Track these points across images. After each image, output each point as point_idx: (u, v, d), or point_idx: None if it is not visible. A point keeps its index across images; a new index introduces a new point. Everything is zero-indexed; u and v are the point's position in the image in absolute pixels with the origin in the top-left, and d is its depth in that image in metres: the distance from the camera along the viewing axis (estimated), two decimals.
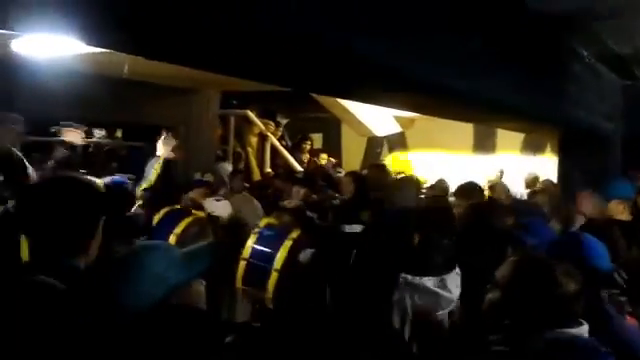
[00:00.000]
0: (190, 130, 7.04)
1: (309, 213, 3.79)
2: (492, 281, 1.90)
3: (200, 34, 2.13)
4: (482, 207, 4.03)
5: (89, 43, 2.11)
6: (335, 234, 3.82)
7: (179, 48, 2.34)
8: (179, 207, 3.75)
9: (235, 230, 2.52)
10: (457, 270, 2.60)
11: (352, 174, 4.62)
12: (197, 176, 5.68)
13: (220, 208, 3.82)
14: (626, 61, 5.93)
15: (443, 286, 2.49)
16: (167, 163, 4.54)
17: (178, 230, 3.53)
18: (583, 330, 1.77)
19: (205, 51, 2.45)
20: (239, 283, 3.46)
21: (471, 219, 3.35)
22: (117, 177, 4.17)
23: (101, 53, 3.45)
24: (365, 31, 2.81)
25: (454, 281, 2.54)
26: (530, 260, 1.98)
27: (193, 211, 3.70)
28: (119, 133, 7.30)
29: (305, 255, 3.11)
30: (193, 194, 5.09)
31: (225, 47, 2.38)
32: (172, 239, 3.47)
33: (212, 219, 4.03)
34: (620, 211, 4.04)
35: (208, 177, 5.65)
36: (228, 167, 7.13)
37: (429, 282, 2.48)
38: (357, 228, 3.84)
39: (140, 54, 2.48)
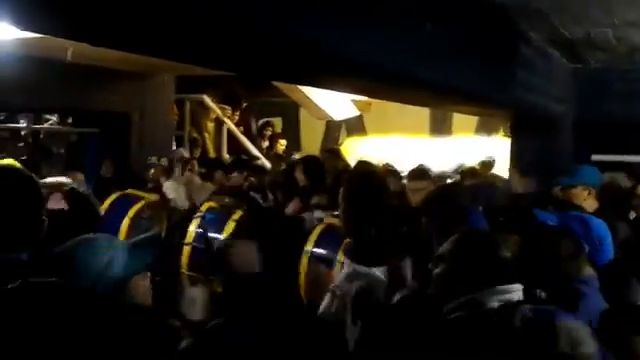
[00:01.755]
0: (145, 115, 6.94)
1: (253, 194, 3.79)
2: (436, 257, 2.02)
3: (138, 20, 2.09)
4: (447, 190, 4.10)
5: (24, 28, 2.03)
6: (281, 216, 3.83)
7: (117, 34, 2.28)
8: (129, 192, 3.70)
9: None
10: (407, 259, 2.61)
11: (301, 163, 4.61)
12: (152, 160, 5.61)
13: (172, 190, 3.79)
14: (576, 45, 6.05)
15: (394, 276, 2.51)
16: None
17: (131, 214, 3.50)
18: (518, 288, 1.93)
19: (144, 37, 2.40)
20: (185, 269, 3.45)
21: (435, 202, 3.38)
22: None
23: (45, 37, 3.36)
24: (318, 17, 2.80)
25: (404, 269, 2.57)
26: (469, 233, 2.15)
27: (144, 194, 3.67)
28: (71, 119, 7.16)
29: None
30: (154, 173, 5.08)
31: (169, 33, 2.34)
32: (125, 223, 3.44)
33: (166, 202, 4.01)
34: (585, 197, 4.08)
35: (164, 162, 5.59)
36: (184, 152, 7.06)
37: (378, 271, 2.49)
38: (317, 214, 3.87)
39: (78, 40, 2.41)
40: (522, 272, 2.00)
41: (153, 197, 3.80)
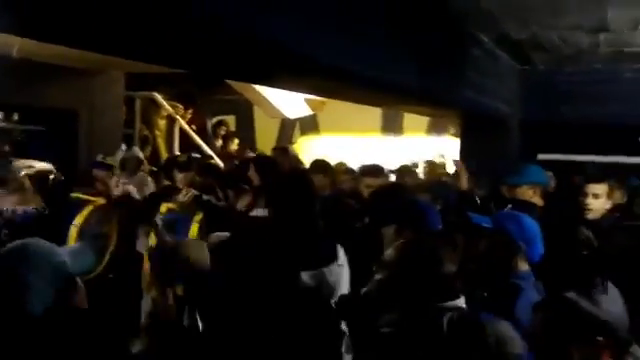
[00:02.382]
0: (93, 113, 6.79)
1: (205, 196, 3.75)
2: (379, 263, 1.99)
3: (87, 15, 2.04)
4: (396, 187, 4.14)
5: None
6: (238, 217, 3.81)
7: (65, 30, 2.22)
8: (76, 195, 3.61)
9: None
10: (340, 261, 2.60)
11: (253, 162, 4.59)
12: (99, 158, 5.49)
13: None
14: (523, 47, 6.20)
15: (323, 279, 2.48)
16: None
17: (78, 221, 3.40)
18: (461, 302, 1.91)
19: (93, 33, 2.35)
20: (146, 273, 3.39)
21: (384, 199, 3.41)
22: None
23: None
24: (273, 16, 2.80)
25: (335, 272, 2.55)
26: (415, 243, 2.11)
27: (92, 198, 3.57)
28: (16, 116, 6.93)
29: (214, 238, 3.08)
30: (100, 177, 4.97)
31: (119, 30, 2.30)
32: (73, 231, 3.34)
33: (117, 204, 3.93)
34: (530, 196, 4.17)
35: (111, 161, 5.47)
36: (139, 153, 6.92)
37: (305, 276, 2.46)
38: (261, 212, 3.85)
39: (24, 35, 2.35)
40: (462, 273, 2.03)
41: (101, 201, 3.71)
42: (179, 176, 4.81)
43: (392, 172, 5.90)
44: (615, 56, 6.26)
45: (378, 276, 2.01)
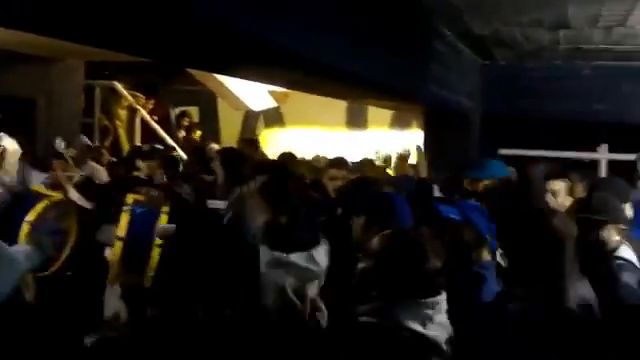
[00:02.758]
0: (51, 101, 6.64)
1: (176, 187, 3.70)
2: (364, 252, 1.98)
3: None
4: (366, 179, 4.15)
5: None
6: (202, 209, 3.77)
7: (24, 15, 2.16)
8: (36, 189, 3.50)
9: None
10: (324, 243, 2.64)
11: (219, 154, 4.56)
12: (58, 146, 5.36)
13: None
14: (486, 42, 6.28)
15: (312, 260, 2.52)
16: None
17: (31, 217, 3.29)
18: (441, 299, 1.87)
19: (52, 19, 2.29)
20: (115, 265, 3.31)
21: (353, 191, 3.42)
22: None
23: None
24: (238, 3, 2.77)
25: (321, 254, 2.58)
26: (403, 234, 2.08)
27: (50, 193, 3.46)
28: None
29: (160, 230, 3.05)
30: (55, 171, 4.83)
31: (81, 15, 2.24)
32: (26, 228, 3.23)
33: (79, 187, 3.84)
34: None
35: (71, 152, 5.36)
36: (86, 140, 6.77)
37: (299, 257, 2.50)
38: (220, 204, 3.84)
39: None
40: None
41: (58, 195, 3.60)
42: (142, 165, 4.73)
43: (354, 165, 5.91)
44: (574, 53, 6.39)
45: (361, 265, 1.99)
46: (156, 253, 3.03)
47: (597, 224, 2.77)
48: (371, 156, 7.00)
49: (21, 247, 2.00)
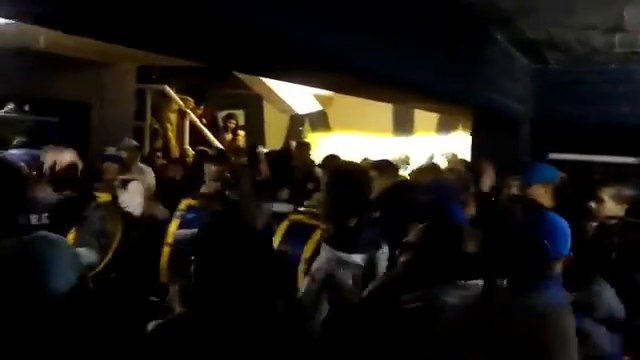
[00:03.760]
0: (105, 105, 6.81)
1: (227, 193, 3.75)
2: (403, 245, 2.08)
3: (102, 6, 2.05)
4: (404, 185, 4.14)
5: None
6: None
7: (82, 21, 2.23)
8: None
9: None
10: (384, 249, 2.67)
11: (267, 155, 4.60)
12: (110, 151, 5.47)
13: (128, 198, 3.72)
14: (538, 46, 6.16)
15: (373, 264, 2.57)
16: None
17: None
18: (477, 283, 2.00)
19: (108, 24, 2.35)
20: (164, 269, 3.38)
21: (393, 196, 3.43)
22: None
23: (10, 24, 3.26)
24: (285, 8, 2.78)
25: (381, 259, 2.62)
26: (438, 224, 2.20)
27: (97, 194, 3.56)
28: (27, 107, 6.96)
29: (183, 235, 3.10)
30: (106, 173, 4.94)
31: (133, 20, 2.30)
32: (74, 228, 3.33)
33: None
34: (541, 194, 4.14)
35: (123, 153, 5.47)
36: (133, 142, 6.92)
37: (358, 258, 2.53)
38: (284, 207, 3.87)
39: (46, 26, 2.36)
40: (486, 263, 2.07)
41: (105, 197, 3.68)
42: (211, 169, 4.74)
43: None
44: (629, 56, 6.21)
45: (403, 258, 2.11)
46: (165, 253, 3.06)
47: None
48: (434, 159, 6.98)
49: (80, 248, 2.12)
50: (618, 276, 2.44)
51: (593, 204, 3.89)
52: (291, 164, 5.21)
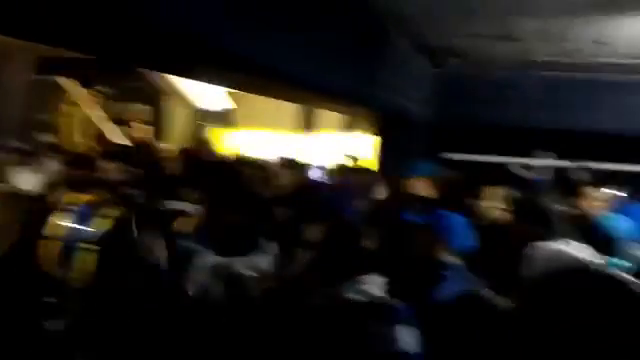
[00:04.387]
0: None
1: (128, 189, 3.66)
2: (305, 242, 2.12)
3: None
4: (308, 184, 4.21)
5: None
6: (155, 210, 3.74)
7: None
8: None
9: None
10: (273, 248, 2.67)
11: (182, 152, 4.53)
12: (11, 144, 5.22)
13: (24, 181, 3.57)
14: (437, 50, 6.43)
15: (252, 265, 2.54)
16: None
17: None
18: (377, 277, 2.07)
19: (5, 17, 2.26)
20: (52, 265, 3.25)
21: (298, 195, 3.49)
22: None
23: None
24: (191, 5, 2.77)
25: (262, 260, 2.62)
26: (337, 223, 2.31)
27: None
28: None
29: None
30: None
31: (33, 13, 2.22)
32: None
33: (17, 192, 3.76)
34: (424, 188, 4.34)
35: (20, 145, 5.23)
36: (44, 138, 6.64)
37: (241, 261, 2.52)
38: (180, 205, 3.81)
39: None
40: (391, 262, 2.17)
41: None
42: (111, 166, 4.58)
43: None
44: (522, 64, 6.60)
45: (304, 256, 2.19)
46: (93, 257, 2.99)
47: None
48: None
49: None
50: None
51: (478, 204, 4.12)
52: (197, 161, 5.16)
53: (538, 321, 1.07)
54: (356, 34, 4.83)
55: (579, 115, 7.01)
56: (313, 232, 2.27)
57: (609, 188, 4.60)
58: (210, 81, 6.07)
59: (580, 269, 1.40)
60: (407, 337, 1.88)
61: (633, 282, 1.08)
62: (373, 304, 1.99)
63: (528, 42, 5.64)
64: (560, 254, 2.27)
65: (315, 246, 2.17)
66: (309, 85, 4.49)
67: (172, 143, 8.55)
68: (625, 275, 1.23)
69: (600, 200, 4.47)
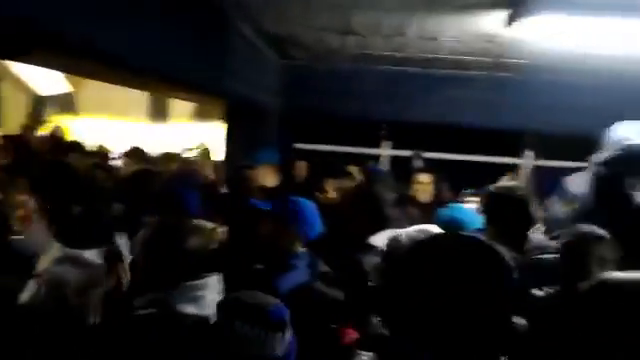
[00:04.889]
0: None
1: None
2: (134, 243, 2.02)
3: None
4: (148, 174, 4.18)
5: None
6: None
7: None
8: None
9: None
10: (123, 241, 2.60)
11: (6, 139, 4.30)
12: None
13: None
14: (282, 41, 6.58)
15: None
16: None
17: None
18: (212, 280, 1.97)
19: None
20: None
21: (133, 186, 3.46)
22: None
23: None
24: None
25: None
26: (161, 223, 2.11)
27: None
28: None
29: None
30: None
31: None
32: None
33: None
34: (265, 174, 4.51)
35: None
36: None
37: (91, 254, 2.45)
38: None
39: None
40: (244, 249, 2.14)
41: None
42: None
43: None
44: (361, 57, 6.95)
45: (134, 257, 2.04)
46: None
47: None
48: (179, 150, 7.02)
49: None
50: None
51: (320, 194, 4.35)
52: (32, 151, 4.92)
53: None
54: (199, 21, 4.84)
55: (414, 108, 7.53)
56: (143, 231, 2.05)
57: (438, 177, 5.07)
58: (49, 66, 5.78)
59: (445, 235, 1.51)
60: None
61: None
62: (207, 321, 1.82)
63: (367, 36, 5.96)
64: (422, 231, 2.16)
65: (140, 247, 1.98)
66: (153, 72, 4.44)
67: (8, 130, 7.99)
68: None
69: (427, 185, 4.90)
